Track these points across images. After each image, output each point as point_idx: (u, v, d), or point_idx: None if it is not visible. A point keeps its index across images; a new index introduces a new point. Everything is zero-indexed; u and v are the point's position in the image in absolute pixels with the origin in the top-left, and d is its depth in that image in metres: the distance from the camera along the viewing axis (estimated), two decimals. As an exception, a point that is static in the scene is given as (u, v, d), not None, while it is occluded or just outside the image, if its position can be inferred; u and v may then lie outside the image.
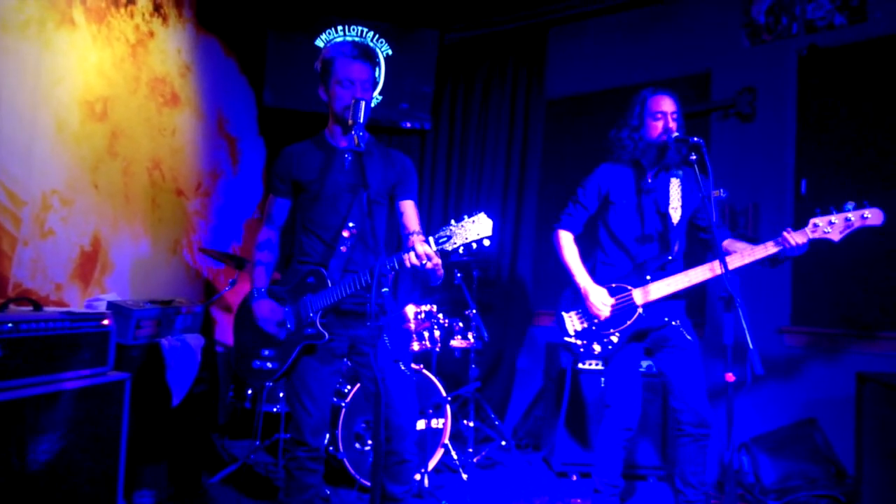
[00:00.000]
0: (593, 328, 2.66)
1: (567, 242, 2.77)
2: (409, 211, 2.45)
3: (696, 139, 2.38)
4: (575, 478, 3.71)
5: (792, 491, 3.31)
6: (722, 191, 2.42)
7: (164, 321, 3.07)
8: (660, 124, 2.60)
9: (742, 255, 2.46)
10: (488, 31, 4.96)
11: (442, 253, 2.03)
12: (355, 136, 2.07)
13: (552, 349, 4.07)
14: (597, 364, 3.72)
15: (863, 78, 3.64)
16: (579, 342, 2.68)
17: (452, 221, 2.02)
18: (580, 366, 3.76)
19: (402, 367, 2.40)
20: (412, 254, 2.04)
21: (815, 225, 2.40)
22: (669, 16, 4.34)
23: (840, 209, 2.40)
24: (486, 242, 2.00)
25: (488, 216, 1.99)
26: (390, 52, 4.82)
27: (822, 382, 3.59)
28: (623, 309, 2.61)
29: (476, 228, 1.98)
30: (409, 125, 4.91)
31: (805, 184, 3.76)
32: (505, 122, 4.84)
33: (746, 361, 2.10)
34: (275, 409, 3.63)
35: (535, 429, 4.28)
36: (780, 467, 3.41)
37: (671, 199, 2.63)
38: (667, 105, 2.60)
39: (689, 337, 2.64)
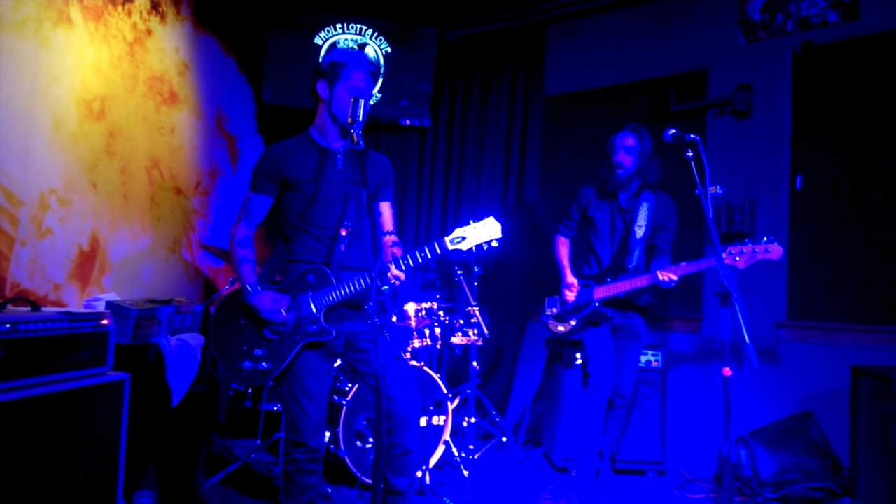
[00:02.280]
0: (562, 312, 3.39)
1: (561, 245, 3.51)
2: (387, 212, 2.54)
3: (691, 136, 2.44)
4: (575, 473, 3.72)
5: (789, 483, 3.34)
6: (718, 187, 2.45)
7: (164, 321, 3.07)
8: (624, 158, 3.24)
9: (632, 282, 3.15)
10: (487, 29, 4.97)
11: (455, 252, 2.26)
12: (354, 135, 2.09)
13: (551, 344, 4.09)
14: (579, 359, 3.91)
15: (857, 74, 3.66)
16: (551, 323, 3.45)
17: (471, 222, 2.26)
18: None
19: (403, 358, 2.43)
20: (389, 274, 2.21)
21: (730, 252, 2.79)
22: (666, 14, 4.35)
23: (755, 242, 2.79)
24: (495, 244, 2.26)
25: (496, 219, 2.25)
26: (389, 49, 4.82)
27: (818, 376, 3.62)
28: (583, 300, 3.31)
29: (487, 231, 2.23)
30: (408, 122, 4.91)
31: (800, 180, 3.78)
32: (504, 119, 4.85)
33: (743, 356, 2.13)
34: (276, 408, 3.64)
35: (536, 424, 4.30)
36: (778, 460, 3.43)
37: (639, 218, 3.25)
38: (627, 141, 3.24)
39: (638, 331, 3.36)
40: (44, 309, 2.63)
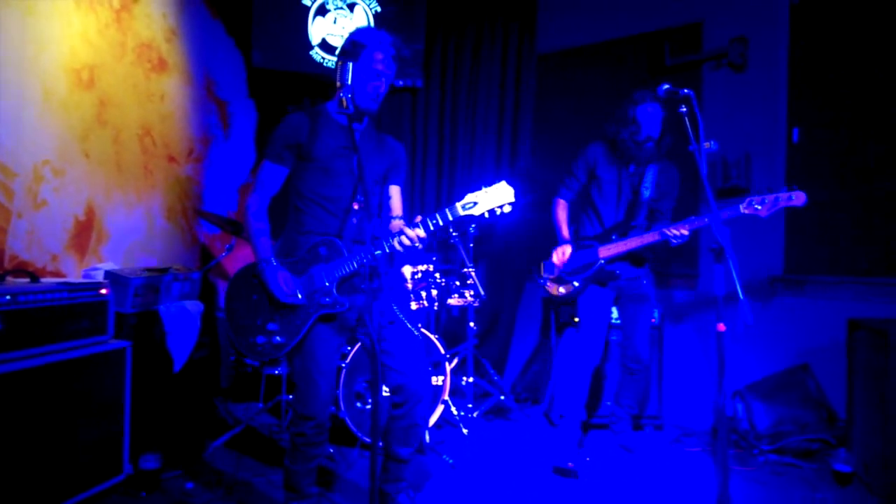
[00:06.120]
0: (562, 274, 3.30)
1: (560, 208, 3.42)
2: (396, 196, 2.56)
3: (685, 91, 2.41)
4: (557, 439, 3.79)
5: (785, 436, 3.40)
6: (712, 143, 2.44)
7: (162, 288, 3.09)
8: (654, 129, 3.10)
9: (642, 238, 3.08)
10: (478, -15, 4.86)
11: (468, 217, 2.22)
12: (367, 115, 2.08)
13: (548, 304, 4.12)
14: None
15: (855, 26, 3.59)
16: (549, 285, 3.39)
17: (483, 187, 2.20)
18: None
19: (413, 330, 2.45)
20: (403, 237, 2.21)
21: (751, 201, 2.74)
22: (662, -36, 4.26)
23: (773, 191, 2.75)
24: (508, 209, 2.20)
25: (509, 184, 2.19)
26: (380, 9, 4.73)
27: (814, 329, 3.65)
28: (587, 260, 3.24)
29: (499, 195, 2.17)
30: (400, 83, 4.85)
31: (797, 133, 3.75)
32: (496, 78, 4.78)
33: (737, 311, 2.15)
34: (276, 372, 3.69)
35: (534, 383, 4.36)
36: (774, 413, 3.49)
37: (646, 181, 3.20)
38: (657, 111, 3.09)
39: (644, 292, 3.29)
40: (43, 280, 2.65)
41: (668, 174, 3.25)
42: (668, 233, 2.93)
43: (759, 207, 2.72)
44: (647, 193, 3.19)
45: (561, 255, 3.27)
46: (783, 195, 2.69)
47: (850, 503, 2.83)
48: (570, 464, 3.12)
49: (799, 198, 2.67)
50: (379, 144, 2.48)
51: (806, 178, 3.71)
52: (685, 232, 2.90)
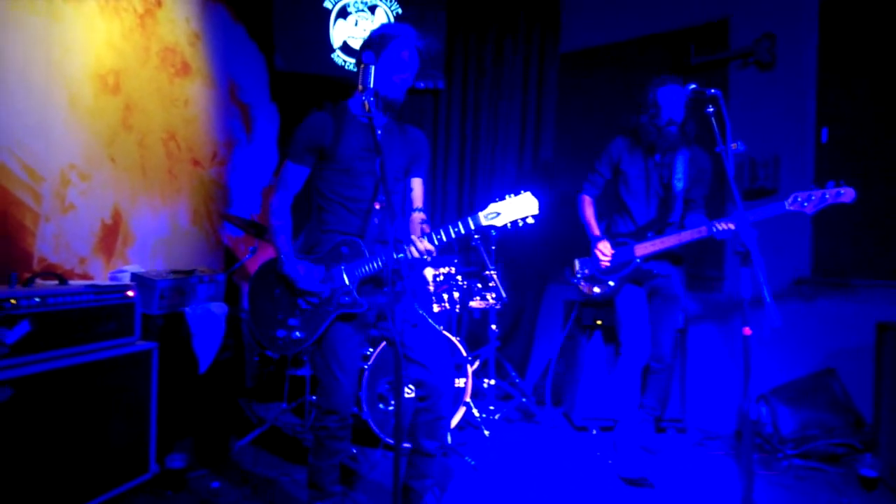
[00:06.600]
0: (596, 273, 3.19)
1: (586, 205, 3.30)
2: (418, 188, 2.55)
3: (713, 91, 2.38)
4: (595, 432, 3.78)
5: (810, 440, 3.35)
6: (739, 143, 2.40)
7: (188, 290, 3.13)
8: (677, 113, 2.96)
9: (680, 236, 2.96)
10: (500, -15, 4.85)
11: (490, 227, 2.23)
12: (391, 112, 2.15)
13: (570, 306, 4.10)
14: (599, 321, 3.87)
15: (886, 22, 3.51)
16: (583, 284, 3.25)
17: (509, 196, 2.21)
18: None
19: (436, 326, 2.46)
20: (413, 248, 2.25)
21: (796, 198, 2.65)
22: (685, -38, 4.21)
23: (822, 187, 2.64)
24: (531, 220, 2.22)
25: (533, 195, 2.20)
26: (401, 11, 4.74)
27: (841, 332, 3.58)
28: (623, 259, 3.11)
29: (523, 206, 2.20)
30: (422, 85, 4.85)
31: (826, 132, 3.68)
32: (519, 78, 4.77)
33: (764, 315, 2.12)
34: (300, 373, 3.72)
35: (556, 385, 4.34)
36: (799, 417, 3.43)
37: (677, 172, 3.05)
38: (679, 94, 2.95)
39: (675, 292, 3.17)
40: (70, 282, 2.69)
41: (699, 161, 3.10)
42: (717, 228, 2.79)
43: (807, 204, 2.62)
44: (679, 185, 3.03)
45: (605, 250, 3.12)
46: (831, 191, 2.59)
47: (878, 509, 2.78)
48: (639, 475, 3.02)
49: (848, 194, 2.58)
50: (402, 136, 2.49)
51: (834, 180, 3.63)
52: (731, 227, 2.76)
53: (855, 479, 3.02)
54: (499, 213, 2.18)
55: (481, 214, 2.20)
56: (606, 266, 3.12)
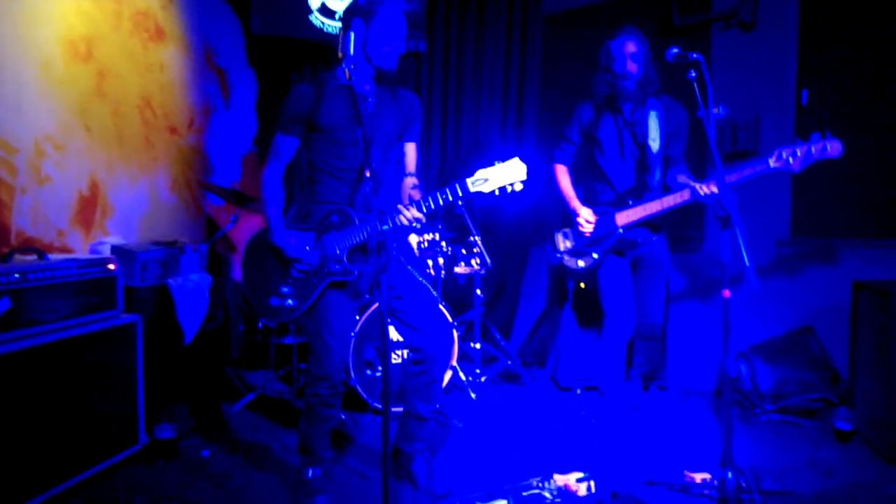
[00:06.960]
0: (579, 246, 3.07)
1: (561, 174, 3.19)
2: (411, 153, 2.53)
3: (695, 55, 2.34)
4: (579, 391, 3.85)
5: (787, 395, 3.44)
6: (721, 108, 2.38)
7: (170, 262, 3.11)
8: (631, 66, 2.88)
9: (662, 201, 2.83)
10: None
11: (477, 194, 2.20)
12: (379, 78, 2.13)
13: (554, 269, 4.13)
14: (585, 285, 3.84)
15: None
16: (567, 259, 3.12)
17: (495, 163, 2.16)
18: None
19: (432, 291, 2.49)
20: (402, 217, 2.22)
21: (780, 155, 2.56)
22: (669, -82, 4.12)
23: (806, 140, 2.53)
24: (519, 187, 2.18)
25: (521, 160, 2.15)
26: (378, -30, 4.62)
27: (819, 291, 3.66)
28: (604, 229, 3.00)
29: (511, 172, 2.14)
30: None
31: (806, 95, 3.69)
32: (502, 41, 4.69)
33: (743, 278, 2.15)
34: (286, 342, 3.73)
35: (540, 347, 4.40)
36: (777, 374, 3.52)
37: (650, 131, 2.92)
38: (629, 47, 2.90)
39: (660, 257, 3.06)
40: (50, 256, 2.65)
41: (674, 113, 2.97)
42: (700, 191, 2.67)
43: (792, 161, 2.53)
44: (655, 145, 2.91)
45: (589, 217, 3.00)
46: (817, 144, 2.49)
47: (851, 460, 2.87)
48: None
49: (835, 147, 2.47)
50: (394, 101, 2.45)
51: (819, 131, 3.65)
52: (714, 190, 2.61)
53: (830, 432, 3.11)
54: (487, 179, 2.16)
55: (469, 181, 2.18)
56: (590, 234, 3.02)
